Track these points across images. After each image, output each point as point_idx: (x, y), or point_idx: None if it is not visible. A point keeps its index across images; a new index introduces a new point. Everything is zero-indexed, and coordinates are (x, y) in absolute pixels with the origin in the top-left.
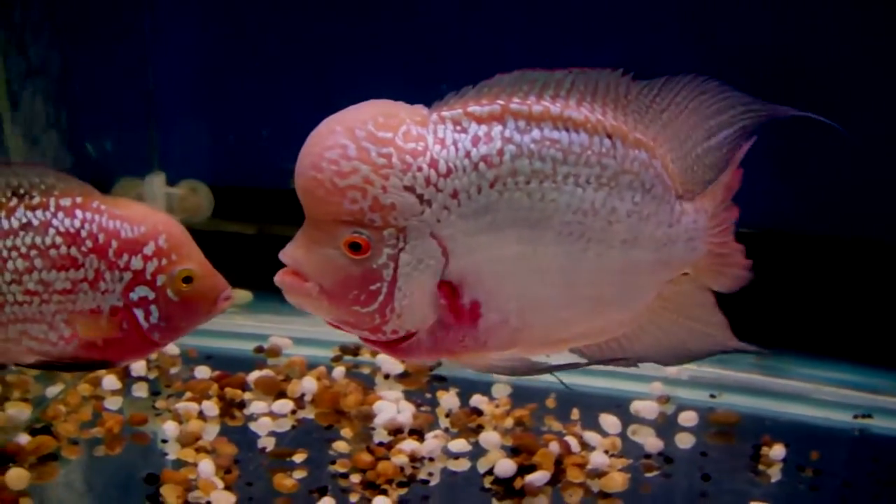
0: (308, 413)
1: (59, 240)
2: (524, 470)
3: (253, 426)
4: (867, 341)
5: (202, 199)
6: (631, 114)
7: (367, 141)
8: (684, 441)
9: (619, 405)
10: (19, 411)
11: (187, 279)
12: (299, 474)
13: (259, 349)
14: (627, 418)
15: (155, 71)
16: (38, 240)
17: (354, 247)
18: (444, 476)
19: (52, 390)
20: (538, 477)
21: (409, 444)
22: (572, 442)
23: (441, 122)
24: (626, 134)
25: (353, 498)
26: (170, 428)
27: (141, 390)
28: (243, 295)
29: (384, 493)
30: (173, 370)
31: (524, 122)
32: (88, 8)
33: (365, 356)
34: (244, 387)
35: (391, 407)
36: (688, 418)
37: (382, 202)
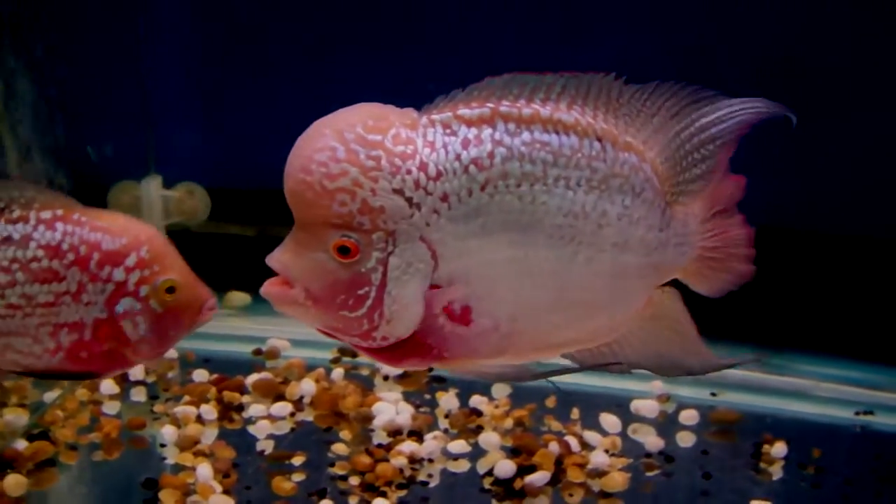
0: (307, 415)
1: (40, 253)
2: (524, 470)
3: (251, 429)
4: (868, 338)
5: (199, 201)
6: (622, 117)
7: (357, 143)
8: (685, 440)
9: (619, 404)
10: (17, 417)
11: (170, 289)
12: (298, 477)
13: (257, 352)
14: (628, 417)
15: (151, 74)
16: (19, 253)
17: (343, 250)
18: (444, 477)
19: (50, 395)
20: (538, 477)
21: (408, 446)
22: (572, 442)
23: (431, 126)
24: (616, 137)
25: (353, 500)
26: (168, 432)
27: (139, 394)
28: (241, 297)
29: (383, 495)
30: (171, 374)
31: (514, 125)
32: (83, 11)
33: (364, 357)
34: (242, 390)
35: (390, 408)
36: (688, 417)
37: (371, 205)
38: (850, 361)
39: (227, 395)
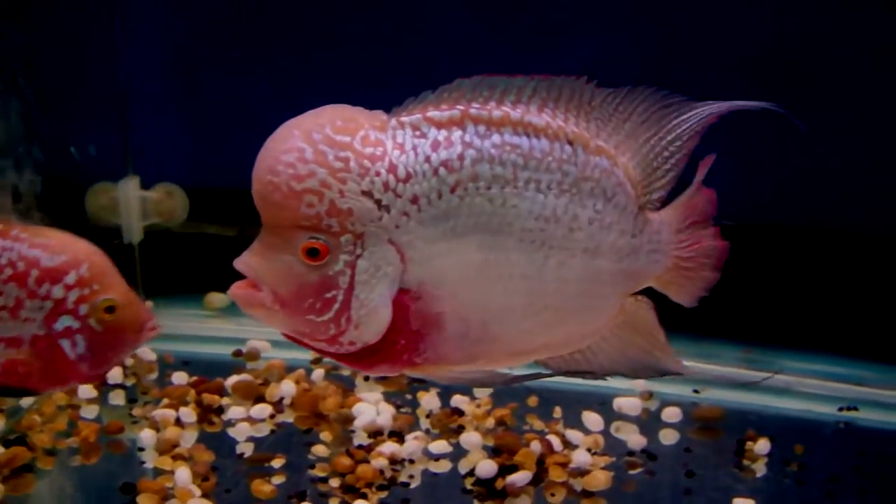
0: (287, 417)
1: None
2: (506, 470)
3: (231, 432)
4: (851, 334)
5: (177, 202)
6: (593, 121)
7: (325, 144)
8: (668, 437)
9: (601, 402)
10: None
11: (110, 309)
12: (278, 480)
13: (237, 353)
14: (610, 415)
15: (128, 74)
16: None
17: (312, 252)
18: (425, 478)
19: (27, 400)
20: (520, 477)
21: (389, 447)
22: (554, 440)
23: (400, 128)
24: (587, 141)
25: (333, 502)
26: (147, 436)
27: (118, 398)
28: (221, 299)
29: (364, 496)
30: (150, 377)
31: (484, 127)
32: (60, 11)
33: None
34: (222, 392)
35: (371, 409)
36: (671, 414)
37: (339, 207)
38: (834, 357)
39: (206, 397)
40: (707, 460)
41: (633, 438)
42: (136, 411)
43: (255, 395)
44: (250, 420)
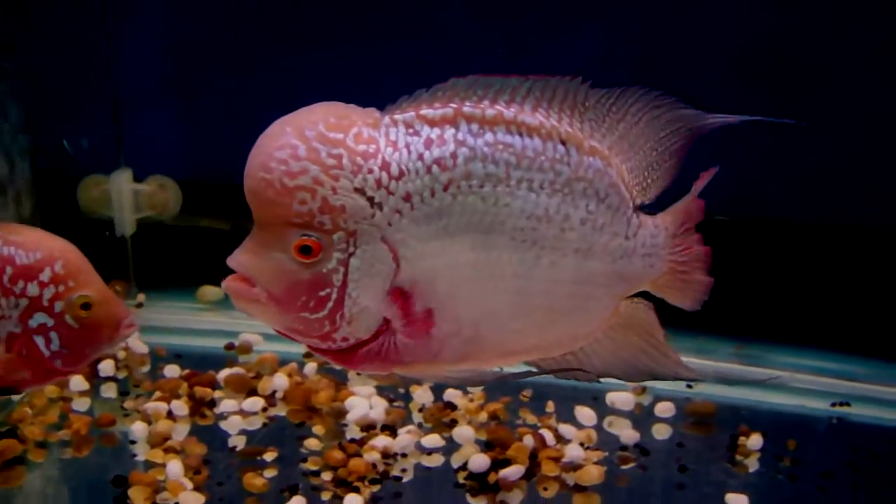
0: (279, 410)
1: None
2: (498, 464)
3: (223, 425)
4: (844, 329)
5: (170, 195)
6: (587, 122)
7: (318, 141)
8: (661, 432)
9: (594, 397)
10: None
11: (86, 305)
12: (270, 473)
13: (230, 346)
14: (603, 410)
15: (120, 66)
16: None
17: (304, 250)
18: (418, 472)
19: None
20: (513, 471)
21: (381, 441)
22: (547, 435)
23: (393, 125)
24: (581, 141)
25: (325, 496)
26: (138, 429)
27: (110, 391)
28: (214, 292)
29: (356, 490)
30: (142, 369)
31: (477, 126)
32: (52, 3)
33: None
34: (214, 385)
35: (363, 403)
36: (664, 409)
37: (332, 204)
38: (827, 352)
39: (198, 390)
40: (700, 455)
41: (626, 433)
42: (128, 404)
43: (247, 389)
44: (242, 413)
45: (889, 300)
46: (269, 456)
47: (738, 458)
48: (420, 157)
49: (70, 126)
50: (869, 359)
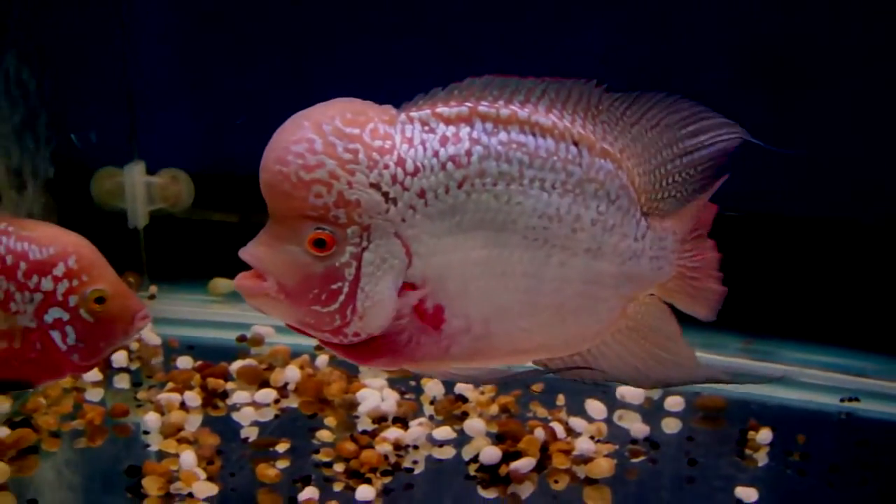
0: (291, 402)
1: None
2: (509, 457)
3: (236, 416)
4: (853, 325)
5: (183, 187)
6: (600, 124)
7: (335, 136)
8: (671, 426)
9: (604, 390)
10: None
11: (100, 299)
12: (282, 464)
13: (242, 338)
14: (613, 403)
15: (134, 59)
16: None
17: (319, 243)
18: (429, 464)
19: None
20: (523, 464)
21: (393, 433)
22: (558, 428)
23: (409, 122)
24: (593, 143)
25: (337, 487)
26: (151, 419)
27: (122, 381)
28: (226, 284)
29: (368, 481)
30: (155, 361)
31: (492, 125)
32: None
33: None
34: (227, 377)
35: (375, 395)
36: (674, 403)
37: (347, 198)
38: (836, 348)
39: (211, 381)
40: (709, 449)
41: (636, 427)
42: (141, 395)
43: (259, 380)
44: (255, 405)
45: None
46: (282, 447)
47: (748, 452)
48: (435, 153)
49: (84, 118)
50: (878, 354)
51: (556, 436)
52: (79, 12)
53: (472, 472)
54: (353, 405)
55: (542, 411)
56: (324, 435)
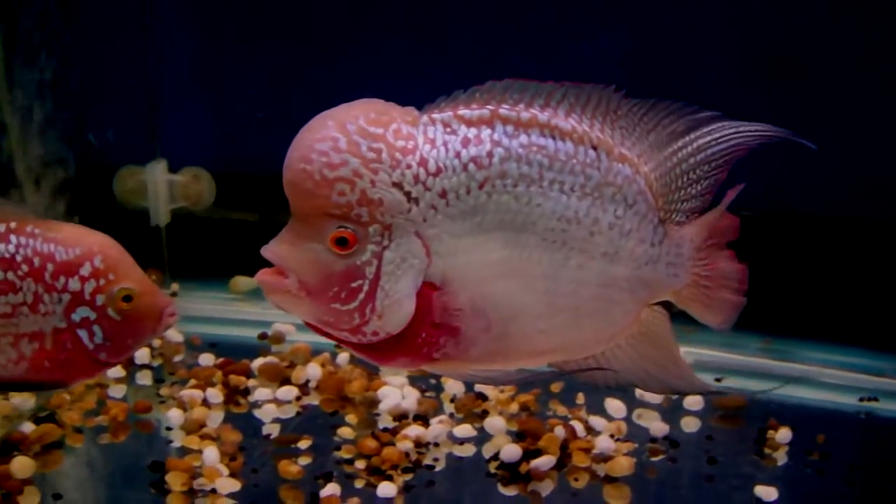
0: (313, 399)
1: None
2: (530, 455)
3: (257, 413)
4: (873, 325)
5: (204, 186)
6: (618, 129)
7: (358, 135)
8: (690, 425)
9: (624, 389)
10: (24, 400)
11: (127, 298)
12: (304, 461)
13: (263, 336)
14: (633, 402)
15: (157, 58)
16: None
17: (341, 241)
18: (450, 461)
19: None
20: (544, 462)
21: (414, 430)
22: (578, 426)
23: (431, 123)
24: (611, 147)
25: (359, 484)
26: (174, 415)
27: (145, 378)
28: (247, 282)
29: (389, 478)
30: (177, 358)
31: (512, 128)
32: None
33: None
34: (248, 374)
35: (396, 393)
36: (693, 402)
37: (370, 197)
38: (855, 348)
39: (232, 378)
40: (728, 448)
41: (656, 425)
42: (164, 391)
43: (280, 378)
44: (276, 402)
45: None
46: (304, 444)
47: (767, 451)
48: (457, 155)
49: (107, 117)
50: None
51: (576, 434)
52: (103, 12)
53: (492, 470)
54: (374, 403)
55: (562, 410)
56: (345, 432)
